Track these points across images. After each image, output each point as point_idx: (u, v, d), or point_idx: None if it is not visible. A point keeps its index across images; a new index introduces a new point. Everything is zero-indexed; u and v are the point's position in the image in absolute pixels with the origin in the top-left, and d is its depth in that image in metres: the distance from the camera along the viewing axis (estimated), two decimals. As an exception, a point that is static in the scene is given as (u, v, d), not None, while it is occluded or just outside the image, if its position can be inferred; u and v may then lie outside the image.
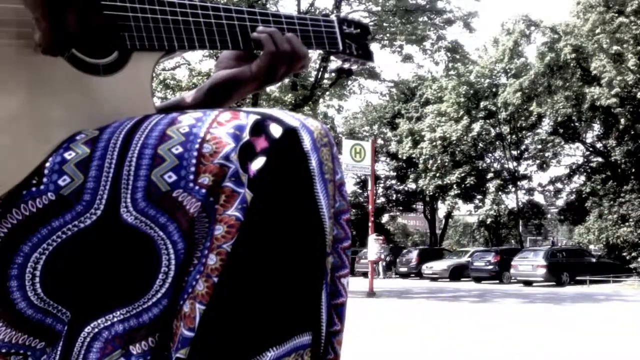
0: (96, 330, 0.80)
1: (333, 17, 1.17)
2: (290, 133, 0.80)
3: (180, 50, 1.00)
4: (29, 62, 0.86)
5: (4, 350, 0.82)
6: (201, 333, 0.76)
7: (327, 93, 19.52)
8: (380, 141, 36.98)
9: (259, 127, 0.81)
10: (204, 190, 0.79)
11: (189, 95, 1.12)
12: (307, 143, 0.81)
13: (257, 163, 0.78)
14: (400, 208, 41.47)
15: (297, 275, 0.78)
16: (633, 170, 27.41)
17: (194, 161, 0.80)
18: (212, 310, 0.77)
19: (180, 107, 1.09)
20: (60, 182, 0.81)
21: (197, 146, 0.81)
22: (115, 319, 0.79)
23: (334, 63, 1.24)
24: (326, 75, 18.01)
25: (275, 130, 0.80)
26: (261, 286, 0.77)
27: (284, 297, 0.77)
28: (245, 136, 0.80)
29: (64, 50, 0.88)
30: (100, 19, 0.91)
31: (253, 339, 0.76)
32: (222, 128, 0.82)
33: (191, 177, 0.80)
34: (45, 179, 0.81)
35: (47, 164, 0.83)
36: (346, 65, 1.23)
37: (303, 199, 0.79)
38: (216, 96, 1.09)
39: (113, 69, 0.93)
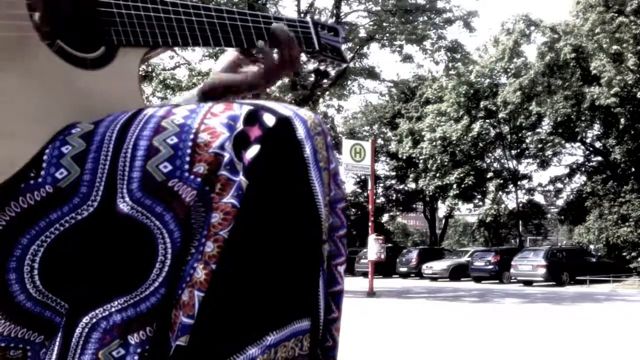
0: (94, 320, 0.80)
1: (307, 18, 1.21)
2: (284, 122, 0.81)
3: (165, 46, 1.03)
4: (19, 54, 0.86)
5: (3, 344, 0.82)
6: (201, 319, 0.77)
7: (327, 93, 19.50)
8: (380, 141, 36.93)
9: (253, 117, 0.81)
10: (199, 179, 0.80)
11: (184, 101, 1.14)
12: (300, 131, 0.81)
13: (252, 151, 0.79)
14: (400, 208, 41.43)
15: (293, 260, 0.79)
16: (633, 170, 27.39)
17: (189, 151, 0.81)
18: (211, 297, 0.77)
19: None
20: (58, 175, 0.82)
21: (191, 136, 0.81)
22: (113, 309, 0.80)
23: (311, 65, 1.29)
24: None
25: (269, 120, 0.81)
26: (259, 271, 0.77)
27: (281, 282, 0.78)
28: (239, 126, 0.81)
29: (59, 33, 0.89)
30: (92, 6, 0.93)
31: (253, 323, 0.76)
32: (216, 119, 0.83)
33: (186, 166, 0.80)
34: (42, 172, 0.82)
35: (45, 157, 0.83)
36: (322, 67, 1.27)
37: (298, 186, 0.80)
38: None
39: (101, 64, 0.94)
